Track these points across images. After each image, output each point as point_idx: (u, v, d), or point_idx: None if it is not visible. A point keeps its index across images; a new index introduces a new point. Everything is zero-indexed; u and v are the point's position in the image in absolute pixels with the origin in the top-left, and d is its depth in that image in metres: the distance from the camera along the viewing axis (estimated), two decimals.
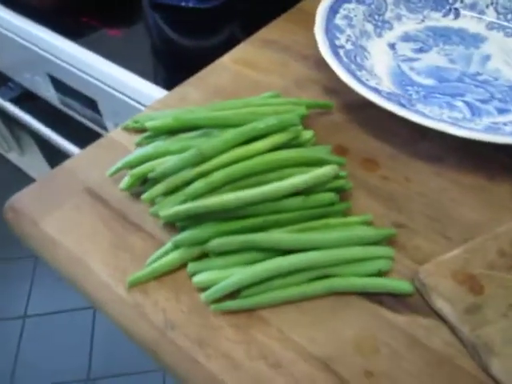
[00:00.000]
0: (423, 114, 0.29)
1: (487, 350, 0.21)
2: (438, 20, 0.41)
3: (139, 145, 0.30)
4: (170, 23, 0.50)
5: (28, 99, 0.78)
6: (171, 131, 0.29)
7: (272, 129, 0.27)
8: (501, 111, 0.33)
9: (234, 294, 0.23)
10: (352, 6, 0.39)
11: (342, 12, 0.38)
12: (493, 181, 0.29)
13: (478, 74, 0.36)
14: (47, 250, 0.27)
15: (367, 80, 0.32)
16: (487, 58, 0.38)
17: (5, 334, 1.18)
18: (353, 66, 0.33)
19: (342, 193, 0.28)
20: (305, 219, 0.26)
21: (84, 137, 0.71)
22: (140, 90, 0.51)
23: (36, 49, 0.62)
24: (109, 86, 0.56)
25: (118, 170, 0.28)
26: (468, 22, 0.41)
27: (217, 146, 0.25)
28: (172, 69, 0.55)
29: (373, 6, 0.40)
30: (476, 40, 0.40)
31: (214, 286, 0.23)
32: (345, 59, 0.34)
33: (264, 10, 0.46)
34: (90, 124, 0.67)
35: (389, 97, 0.31)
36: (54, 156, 0.95)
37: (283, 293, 0.23)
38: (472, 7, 0.41)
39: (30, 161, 1.38)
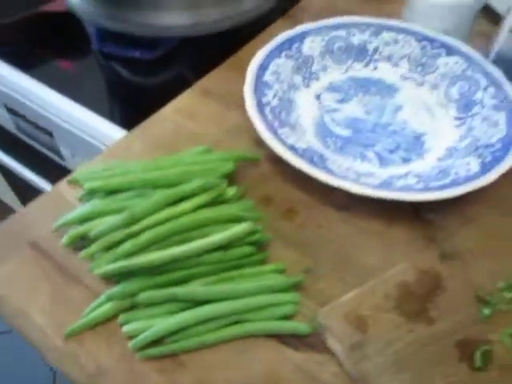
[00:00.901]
0: (330, 171, 0.34)
1: (364, 382, 0.26)
2: (359, 70, 0.46)
3: (81, 200, 0.34)
4: (121, 66, 0.53)
5: None
6: (109, 191, 0.32)
7: (197, 190, 0.31)
8: (405, 160, 0.38)
9: (159, 341, 0.27)
10: (281, 60, 0.43)
11: (272, 68, 0.42)
12: (391, 226, 0.34)
13: (389, 124, 0.42)
14: None
15: (287, 137, 0.37)
16: (399, 108, 0.43)
17: None
18: (276, 124, 0.38)
19: (262, 243, 0.32)
20: (225, 270, 0.30)
21: (42, 163, 0.73)
22: (91, 124, 0.54)
23: None
24: (62, 119, 0.59)
25: (60, 226, 0.32)
26: (385, 72, 0.46)
27: (146, 209, 0.29)
28: (125, 104, 0.58)
29: (300, 60, 0.45)
30: (391, 90, 0.45)
31: (141, 335, 0.27)
32: (269, 117, 0.38)
33: (206, 58, 0.50)
34: (48, 152, 0.69)
35: (303, 154, 0.35)
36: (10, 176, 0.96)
37: (201, 338, 0.27)
38: (388, 59, 0.46)
39: None
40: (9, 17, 0.63)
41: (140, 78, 0.55)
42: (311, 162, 0.34)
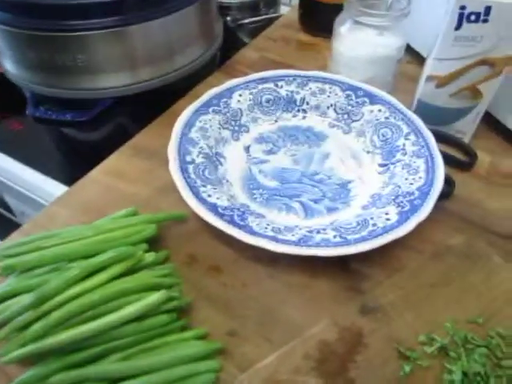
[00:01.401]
0: (249, 229, 0.34)
1: None
2: (289, 120, 0.48)
3: (2, 275, 0.33)
4: (56, 126, 0.53)
5: None
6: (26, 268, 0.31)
7: (111, 261, 0.30)
8: (330, 210, 0.39)
9: None
10: (209, 117, 0.44)
11: (198, 124, 0.43)
12: (315, 278, 0.35)
13: (316, 173, 0.42)
14: None
15: (209, 196, 0.37)
16: (326, 156, 0.44)
17: None
18: (198, 182, 0.38)
19: (182, 308, 0.32)
20: (143, 341, 0.29)
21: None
22: (40, 185, 0.54)
23: None
24: (10, 180, 0.58)
25: None
26: (313, 121, 0.47)
27: (58, 286, 0.29)
28: (73, 162, 0.58)
29: (228, 115, 0.45)
30: (319, 138, 0.46)
31: None
32: (192, 175, 0.38)
33: (144, 113, 0.51)
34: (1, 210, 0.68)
35: (223, 212, 0.35)
36: None
37: None
38: (316, 108, 0.48)
39: None
40: None
41: (82, 136, 0.56)
42: (231, 220, 0.35)
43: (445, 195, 0.40)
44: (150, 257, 0.33)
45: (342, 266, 0.35)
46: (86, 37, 0.44)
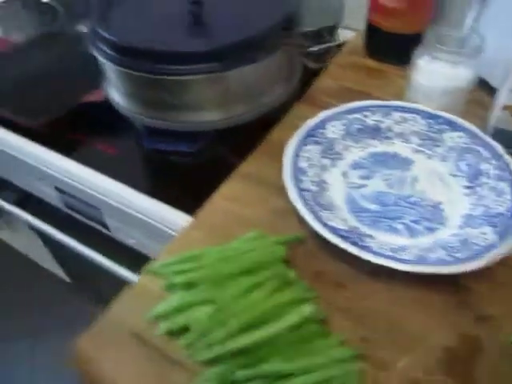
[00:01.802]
0: (368, 248, 0.40)
1: None
2: (376, 146, 0.54)
3: (167, 290, 0.39)
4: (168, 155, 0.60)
5: (30, 200, 0.85)
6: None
7: (268, 278, 0.37)
8: (429, 229, 0.45)
9: None
10: (310, 147, 0.50)
11: (303, 155, 0.49)
12: (428, 291, 0.40)
13: (410, 196, 0.48)
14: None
15: (328, 219, 0.43)
16: (416, 179, 0.50)
17: None
18: (317, 208, 0.44)
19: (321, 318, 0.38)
20: (297, 346, 0.36)
21: (87, 234, 0.79)
22: (138, 203, 0.61)
23: (42, 167, 0.71)
24: (110, 199, 0.65)
25: (152, 318, 0.37)
26: (399, 147, 0.53)
27: (229, 300, 0.35)
28: (168, 182, 0.64)
29: (326, 144, 0.52)
30: (406, 163, 0.52)
31: None
32: (311, 202, 0.44)
33: (241, 143, 0.57)
34: (96, 225, 0.75)
35: (345, 235, 0.41)
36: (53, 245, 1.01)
37: None
38: (400, 135, 0.53)
39: (22, 238, 1.42)
40: (57, 112, 0.70)
41: (185, 162, 0.62)
42: (353, 241, 0.41)
43: None
44: (291, 273, 0.39)
45: (452, 281, 0.40)
46: (190, 80, 0.51)
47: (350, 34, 0.80)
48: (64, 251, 0.94)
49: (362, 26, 0.70)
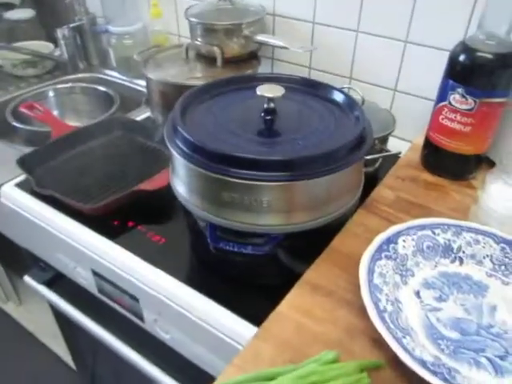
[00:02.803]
0: None
1: None
2: (447, 266, 0.52)
3: None
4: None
5: (58, 280, 0.83)
6: None
7: None
8: None
9: None
10: (383, 262, 0.49)
11: (377, 270, 0.48)
12: None
13: (491, 326, 0.45)
14: None
15: (413, 349, 0.40)
16: (494, 308, 0.47)
17: None
18: (399, 333, 0.41)
19: None
20: None
21: (118, 324, 0.75)
22: (182, 297, 0.58)
23: (83, 249, 0.70)
24: (152, 289, 0.63)
25: None
26: (471, 269, 0.52)
27: None
28: (219, 279, 0.62)
29: (398, 260, 0.50)
30: (480, 288, 0.50)
31: None
32: (391, 325, 0.42)
33: (304, 249, 0.56)
34: (128, 314, 0.72)
35: (433, 369, 0.38)
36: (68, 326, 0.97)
37: None
38: (472, 257, 0.52)
39: (28, 312, 1.37)
40: (104, 194, 0.71)
41: (248, 263, 0.60)
42: (443, 378, 0.37)
43: None
44: None
45: None
46: (260, 186, 0.51)
47: (397, 142, 0.83)
48: (83, 338, 0.90)
49: (410, 136, 0.73)
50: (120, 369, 0.86)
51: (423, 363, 0.39)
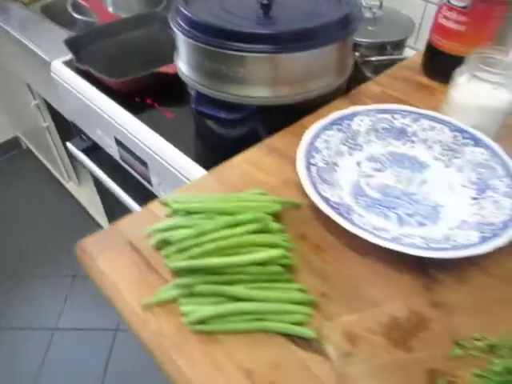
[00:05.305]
0: (352, 222, 0.43)
1: (348, 381, 0.34)
2: (397, 147, 0.56)
3: (168, 216, 0.46)
4: (210, 121, 0.68)
5: (95, 150, 0.98)
6: (188, 212, 0.44)
7: (249, 220, 0.42)
8: (419, 224, 0.47)
9: (205, 321, 0.37)
10: (332, 132, 0.55)
11: (323, 137, 0.54)
12: (399, 273, 0.43)
13: (414, 194, 0.50)
14: (98, 278, 0.42)
15: (324, 191, 0.47)
16: (425, 181, 0.52)
17: (34, 343, 1.35)
18: (319, 180, 0.48)
19: (290, 267, 0.42)
20: (261, 281, 0.40)
21: (135, 189, 0.89)
22: (180, 163, 0.68)
23: (109, 119, 0.82)
24: (157, 155, 0.74)
25: (150, 232, 0.44)
26: (420, 152, 0.55)
27: (212, 228, 0.41)
28: (209, 149, 0.72)
29: (348, 134, 0.56)
30: (422, 166, 0.54)
31: (193, 314, 0.37)
32: (314, 174, 0.49)
33: (276, 122, 0.63)
34: (140, 178, 0.85)
35: (333, 205, 0.45)
36: (106, 194, 1.14)
37: (233, 325, 0.37)
38: (424, 142, 0.56)
39: (85, 192, 1.60)
40: (132, 74, 0.81)
41: (223, 131, 0.70)
42: (339, 212, 0.44)
43: None
44: (275, 225, 0.44)
45: (422, 269, 0.42)
46: (246, 57, 0.57)
47: (413, 53, 0.82)
48: (114, 204, 1.06)
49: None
50: None
51: (327, 200, 0.46)
